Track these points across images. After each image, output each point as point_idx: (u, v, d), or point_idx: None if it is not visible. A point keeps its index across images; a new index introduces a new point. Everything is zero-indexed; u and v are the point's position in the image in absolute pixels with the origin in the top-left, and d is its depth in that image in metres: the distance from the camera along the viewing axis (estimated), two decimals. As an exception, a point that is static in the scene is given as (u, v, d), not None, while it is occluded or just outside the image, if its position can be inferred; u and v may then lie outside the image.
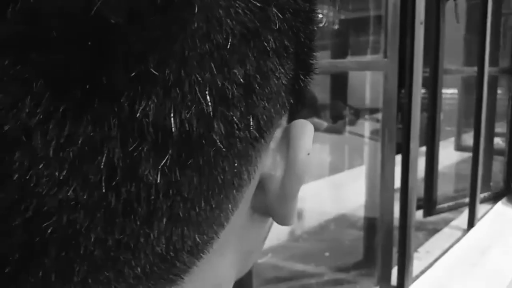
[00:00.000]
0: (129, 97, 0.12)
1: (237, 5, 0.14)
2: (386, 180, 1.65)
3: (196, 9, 0.13)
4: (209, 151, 0.14)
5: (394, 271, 1.76)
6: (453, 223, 2.59)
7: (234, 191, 0.16)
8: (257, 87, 0.15)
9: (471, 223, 2.45)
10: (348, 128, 3.72)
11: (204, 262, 0.17)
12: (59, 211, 0.13)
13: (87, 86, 0.12)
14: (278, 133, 0.19)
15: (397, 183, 1.72)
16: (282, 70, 0.17)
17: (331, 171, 3.54)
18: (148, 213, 0.14)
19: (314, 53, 0.20)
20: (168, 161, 0.13)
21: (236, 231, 0.19)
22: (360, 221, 2.30)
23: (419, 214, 2.47)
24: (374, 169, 1.82)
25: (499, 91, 3.16)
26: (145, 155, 0.13)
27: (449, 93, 3.95)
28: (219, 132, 0.14)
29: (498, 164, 3.12)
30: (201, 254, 0.17)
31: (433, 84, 2.36)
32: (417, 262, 1.99)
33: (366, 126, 2.33)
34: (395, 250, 1.75)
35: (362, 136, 2.42)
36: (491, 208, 2.80)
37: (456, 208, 2.66)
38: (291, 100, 0.18)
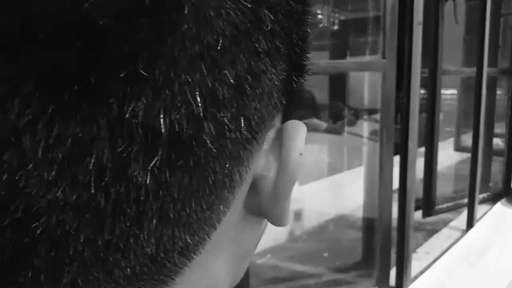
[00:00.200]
0: (118, 98, 0.12)
1: (228, 6, 0.14)
2: (385, 180, 1.65)
3: (186, 10, 0.13)
4: (199, 152, 0.14)
5: (393, 272, 1.76)
6: (452, 223, 2.59)
7: (226, 192, 0.16)
8: (249, 88, 0.15)
9: (470, 224, 2.45)
10: (347, 128, 3.73)
11: (197, 263, 0.17)
12: (48, 212, 0.13)
13: (76, 87, 0.12)
14: (271, 133, 0.19)
15: (396, 184, 1.72)
16: (274, 71, 0.16)
17: (331, 171, 3.54)
18: (138, 214, 0.14)
19: (307, 54, 0.20)
20: (158, 162, 0.13)
21: (230, 232, 0.19)
22: (359, 222, 2.31)
23: (418, 215, 2.47)
24: (373, 170, 1.82)
25: (498, 92, 3.16)
26: (135, 156, 0.13)
27: (449, 93, 3.95)
28: (210, 133, 0.14)
29: (497, 165, 3.12)
30: (193, 255, 0.17)
31: (432, 85, 2.36)
32: (416, 262, 1.98)
33: (366, 126, 2.33)
34: (393, 250, 1.74)
35: (361, 136, 2.42)
36: (490, 209, 2.80)
37: (455, 208, 2.66)
38: (284, 101, 0.18)
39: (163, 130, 0.13)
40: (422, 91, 2.49)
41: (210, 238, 0.17)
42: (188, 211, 0.15)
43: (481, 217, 2.61)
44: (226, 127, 0.15)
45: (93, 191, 0.13)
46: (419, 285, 1.87)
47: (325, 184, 3.27)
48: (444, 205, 2.61)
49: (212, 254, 0.18)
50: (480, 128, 2.34)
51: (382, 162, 1.64)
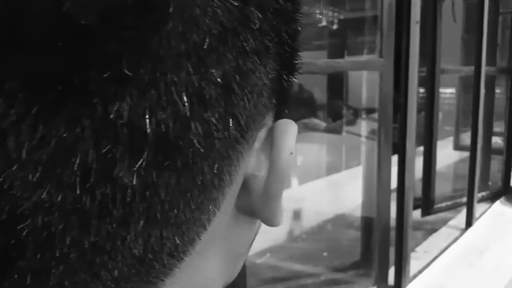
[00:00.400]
0: (102, 98, 0.12)
1: (215, 4, 0.14)
2: (383, 180, 1.65)
3: (171, 8, 0.13)
4: (186, 152, 0.14)
5: (391, 271, 1.76)
6: (451, 222, 2.59)
7: (215, 192, 0.16)
8: (236, 87, 0.15)
9: (469, 223, 2.45)
10: (347, 128, 3.72)
11: (187, 264, 0.17)
12: (34, 213, 0.12)
13: (59, 88, 0.12)
14: (262, 133, 0.18)
15: (394, 183, 1.72)
16: (264, 69, 0.16)
17: (330, 171, 3.54)
18: (124, 215, 0.14)
19: (297, 53, 0.19)
20: (144, 163, 0.13)
21: (221, 232, 0.19)
22: (358, 221, 2.31)
23: (417, 214, 2.47)
24: (371, 169, 1.83)
25: (498, 91, 3.16)
26: (120, 157, 0.13)
27: (448, 92, 3.95)
28: (197, 133, 0.14)
29: (496, 164, 3.12)
30: (182, 256, 0.16)
31: (430, 84, 2.36)
32: (415, 261, 1.98)
33: (365, 125, 2.34)
34: (392, 250, 1.74)
35: (360, 136, 2.42)
36: (489, 208, 2.80)
37: (454, 207, 2.66)
38: (275, 100, 0.18)
39: (148, 130, 0.13)
40: (422, 90, 2.49)
41: (200, 239, 0.17)
42: (176, 212, 0.15)
43: (480, 216, 2.61)
44: (213, 126, 0.14)
45: (78, 192, 0.13)
46: (418, 284, 1.87)
47: (324, 183, 3.27)
48: (443, 204, 2.61)
49: (203, 254, 0.18)
50: (478, 127, 2.34)
51: (380, 161, 1.64)
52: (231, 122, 0.15)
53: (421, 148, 2.47)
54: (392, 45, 1.55)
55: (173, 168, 0.14)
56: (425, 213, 2.52)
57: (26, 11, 0.11)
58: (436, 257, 2.12)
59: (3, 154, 0.12)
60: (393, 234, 1.73)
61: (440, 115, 2.84)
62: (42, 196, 0.12)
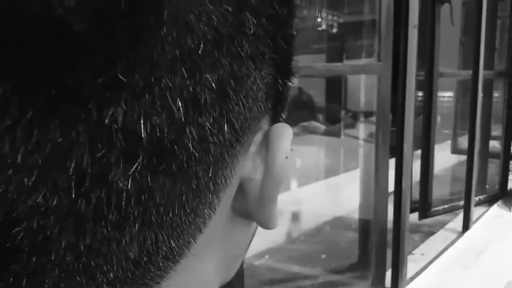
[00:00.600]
0: (97, 103, 0.12)
1: (209, 10, 0.14)
2: (380, 182, 1.65)
3: (165, 14, 0.13)
4: (181, 157, 0.14)
5: (389, 273, 1.76)
6: (449, 225, 2.59)
7: (210, 195, 0.16)
8: (231, 92, 0.15)
9: (466, 226, 2.45)
10: (346, 131, 3.73)
11: (183, 267, 0.17)
12: (29, 217, 0.12)
13: (54, 92, 0.12)
14: (258, 136, 0.18)
15: (392, 186, 1.73)
16: (259, 74, 0.16)
17: (328, 173, 3.55)
18: (119, 219, 0.14)
19: (292, 58, 0.19)
20: (139, 167, 0.13)
21: (217, 234, 0.19)
22: (356, 224, 2.31)
23: (414, 217, 2.47)
24: (369, 172, 1.83)
25: (496, 94, 3.17)
26: (115, 161, 0.13)
27: (447, 96, 3.96)
28: (192, 137, 0.14)
29: (494, 167, 3.13)
30: (178, 259, 0.17)
31: (428, 87, 2.36)
32: (413, 264, 1.99)
33: (364, 129, 2.34)
34: (390, 252, 1.75)
35: (358, 138, 2.43)
36: (486, 211, 2.80)
37: (451, 210, 2.66)
38: (271, 104, 0.18)
39: (143, 135, 0.13)
40: (420, 94, 2.50)
41: (195, 242, 0.17)
42: (171, 215, 0.15)
43: (477, 219, 2.62)
44: (208, 131, 0.15)
45: (73, 196, 0.13)
46: (415, 286, 1.87)
47: (323, 185, 3.28)
48: (441, 207, 2.61)
49: (199, 257, 0.18)
50: (476, 131, 2.35)
51: (378, 164, 1.65)
52: (226, 127, 0.15)
53: (419, 151, 2.48)
54: (390, 49, 1.56)
55: (168, 172, 0.14)
56: (423, 216, 2.52)
57: (18, 16, 0.11)
58: (433, 260, 2.12)
59: None
60: (390, 236, 1.74)
61: (439, 119, 2.84)
62: (38, 200, 0.12)
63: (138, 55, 0.12)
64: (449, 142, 3.59)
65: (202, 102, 0.14)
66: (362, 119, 2.37)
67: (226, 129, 0.15)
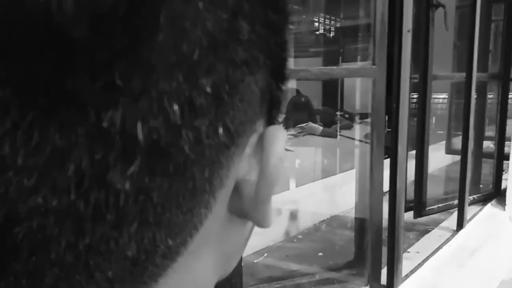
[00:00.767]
0: (95, 106, 0.12)
1: (204, 17, 0.14)
2: (375, 182, 1.67)
3: (162, 20, 0.13)
4: (178, 159, 0.14)
5: (384, 271, 1.78)
6: (443, 224, 2.60)
7: (206, 195, 0.16)
8: (226, 96, 0.15)
9: (460, 225, 2.47)
10: (343, 132, 3.76)
11: (180, 265, 0.17)
12: (29, 217, 0.13)
13: (53, 96, 0.12)
14: (253, 138, 0.19)
15: (387, 186, 1.76)
16: (253, 79, 0.17)
17: (326, 173, 3.58)
18: (118, 219, 0.14)
19: (286, 62, 0.20)
20: (137, 169, 0.14)
21: (214, 233, 0.19)
22: (352, 222, 2.34)
23: (410, 216, 2.51)
24: (365, 172, 1.86)
25: (491, 96, 3.21)
26: (113, 163, 0.13)
27: (441, 97, 4.00)
28: (187, 140, 0.14)
29: (489, 167, 3.16)
30: (175, 257, 0.17)
31: (422, 90, 2.40)
32: (408, 261, 2.00)
33: (360, 130, 2.38)
34: (385, 250, 1.76)
35: (354, 139, 2.47)
36: (480, 210, 2.82)
37: (445, 209, 2.68)
38: (266, 107, 0.19)
39: (140, 137, 0.13)
40: (415, 96, 2.54)
41: (192, 240, 0.17)
42: (168, 215, 0.15)
43: (471, 218, 2.63)
44: (204, 134, 0.15)
45: (73, 197, 0.13)
46: (410, 284, 1.88)
47: (320, 185, 3.31)
48: (435, 206, 2.64)
49: (196, 255, 0.18)
50: (469, 131, 2.37)
51: (373, 164, 1.67)
52: (221, 129, 0.16)
53: (414, 152, 2.51)
54: (385, 52, 1.57)
55: (165, 173, 0.14)
56: (417, 215, 2.55)
57: (18, 21, 0.12)
58: (428, 258, 2.14)
59: None
60: (386, 235, 1.76)
61: (433, 120, 2.88)
62: (38, 201, 0.13)
63: (136, 60, 0.13)
64: (443, 142, 3.62)
65: (198, 105, 0.14)
66: (357, 120, 2.40)
67: (221, 132, 0.16)
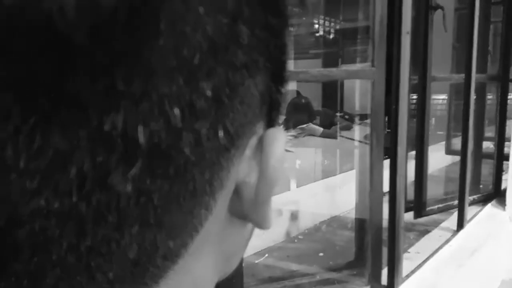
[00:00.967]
0: (96, 109, 0.13)
1: (204, 21, 0.14)
2: (375, 183, 1.68)
3: (163, 24, 0.13)
4: (178, 161, 0.15)
5: (385, 271, 1.78)
6: (443, 224, 2.60)
7: (207, 197, 0.17)
8: (226, 100, 0.16)
9: (460, 225, 2.47)
10: (343, 133, 3.78)
11: (181, 266, 0.18)
12: (32, 219, 0.13)
13: (55, 100, 0.12)
14: (253, 141, 0.19)
15: (387, 186, 1.76)
16: (253, 82, 0.17)
17: (326, 174, 3.58)
18: (119, 220, 0.14)
19: (286, 65, 0.20)
20: (138, 171, 0.14)
21: (214, 235, 0.19)
22: (353, 223, 2.35)
23: (410, 216, 2.52)
24: (364, 172, 1.87)
25: (490, 97, 3.22)
26: (115, 165, 0.13)
27: (441, 98, 4.01)
28: (188, 143, 0.15)
29: (488, 168, 3.16)
30: (176, 259, 0.17)
31: (421, 91, 2.41)
32: (408, 262, 1.99)
33: (360, 131, 2.39)
34: (386, 250, 1.76)
35: (354, 140, 2.48)
36: (480, 210, 2.82)
37: (446, 210, 2.69)
38: (266, 110, 0.19)
39: (142, 140, 0.13)
40: (415, 97, 2.55)
41: (193, 242, 0.17)
42: (169, 216, 0.15)
43: (471, 218, 2.62)
44: (204, 136, 0.15)
45: (75, 199, 0.13)
46: (410, 284, 1.88)
47: (321, 186, 3.31)
48: (435, 207, 2.64)
49: (196, 256, 0.19)
50: (469, 132, 2.38)
51: (373, 165, 1.68)
52: (221, 132, 0.16)
53: (414, 153, 2.52)
54: (384, 54, 1.58)
55: (166, 176, 0.14)
56: (418, 215, 2.56)
57: (20, 27, 0.12)
58: (428, 258, 2.14)
59: (1, 163, 0.12)
60: (386, 235, 1.76)
61: (433, 121, 2.89)
62: (40, 203, 0.13)
63: (136, 64, 0.13)
64: (443, 143, 3.63)
65: (198, 108, 0.15)
66: (357, 121, 2.41)
67: (221, 135, 0.16)
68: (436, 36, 2.45)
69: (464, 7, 2.69)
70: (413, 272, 1.99)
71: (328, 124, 4.39)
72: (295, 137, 4.40)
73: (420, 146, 2.46)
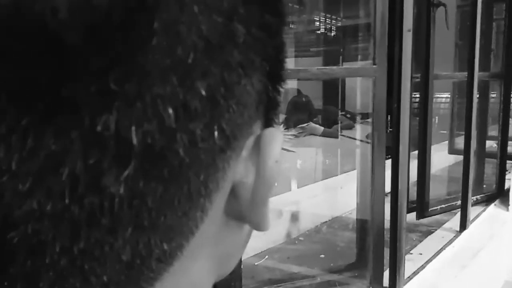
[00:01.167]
0: (89, 111, 0.13)
1: (199, 20, 0.14)
2: (376, 183, 1.67)
3: (156, 25, 0.13)
4: (172, 162, 0.14)
5: (387, 273, 1.77)
6: (446, 225, 2.59)
7: (202, 199, 0.16)
8: (221, 99, 0.15)
9: (463, 225, 2.45)
10: (345, 132, 3.76)
11: (176, 268, 0.17)
12: (25, 222, 0.13)
13: (48, 101, 0.12)
14: (250, 141, 0.19)
15: (389, 186, 1.75)
16: (249, 81, 0.17)
17: (327, 174, 3.57)
18: (112, 223, 0.14)
19: (283, 64, 0.20)
20: (131, 173, 0.14)
21: (211, 237, 0.19)
22: (354, 224, 2.33)
23: (412, 216, 2.49)
24: (366, 172, 1.85)
25: (494, 95, 3.20)
26: (108, 167, 0.13)
27: (444, 97, 3.99)
28: (182, 143, 0.14)
29: (492, 167, 3.14)
30: (171, 261, 0.17)
31: (424, 89, 2.39)
32: (410, 263, 1.99)
33: (362, 130, 2.37)
34: (388, 251, 1.75)
35: (355, 139, 2.45)
36: (483, 211, 2.80)
37: (448, 210, 2.67)
38: (263, 109, 0.19)
39: (135, 141, 0.13)
40: (418, 95, 2.52)
41: (188, 244, 0.17)
42: (163, 219, 0.15)
43: (474, 219, 2.61)
44: (199, 137, 0.15)
45: (67, 201, 0.13)
46: (413, 285, 1.87)
47: (321, 186, 3.30)
48: (438, 207, 2.62)
49: (193, 258, 0.18)
50: (472, 131, 2.36)
51: (374, 165, 1.66)
52: (216, 133, 0.15)
53: (417, 152, 2.50)
54: (385, 52, 1.57)
55: (160, 177, 0.14)
56: (420, 216, 2.54)
57: (14, 29, 0.12)
58: (431, 259, 2.12)
59: None
60: (388, 236, 1.75)
61: (436, 120, 2.86)
62: (33, 205, 0.13)
63: (130, 65, 0.13)
64: (446, 142, 3.61)
65: (193, 109, 0.14)
66: (361, 120, 2.39)
67: (216, 135, 0.16)
68: (439, 34, 2.42)
69: (466, 4, 2.67)
70: (415, 273, 1.98)
71: (331, 123, 4.38)
72: (296, 136, 4.39)
73: (422, 146, 2.44)
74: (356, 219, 2.18)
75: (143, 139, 0.13)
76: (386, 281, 1.77)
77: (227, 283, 1.11)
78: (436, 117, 2.85)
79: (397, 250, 1.74)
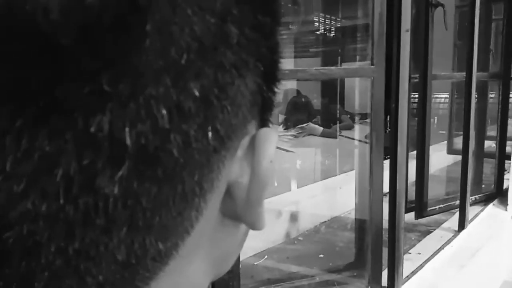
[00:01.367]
0: (83, 112, 0.13)
1: (192, 21, 0.14)
2: (375, 183, 1.67)
3: (148, 27, 0.13)
4: (167, 163, 0.14)
5: (385, 273, 1.77)
6: (445, 225, 2.59)
7: (197, 199, 0.16)
8: (215, 100, 0.15)
9: (462, 225, 2.46)
10: (344, 132, 3.76)
11: (172, 268, 0.17)
12: (20, 222, 0.13)
13: (42, 102, 0.12)
14: (245, 141, 0.19)
15: (387, 186, 1.75)
16: (243, 82, 0.17)
17: (326, 174, 3.57)
18: (107, 223, 0.14)
19: (278, 64, 0.20)
20: (125, 173, 0.14)
21: (206, 236, 0.19)
22: (353, 224, 2.34)
23: (411, 216, 2.50)
24: (364, 173, 1.86)
25: (492, 95, 3.20)
26: (101, 168, 0.13)
27: (443, 97, 3.99)
28: (176, 144, 0.14)
29: (490, 167, 3.14)
30: (166, 260, 0.17)
31: (422, 90, 2.40)
32: (409, 263, 1.99)
33: (360, 130, 2.37)
34: (386, 251, 1.76)
35: (354, 139, 2.46)
36: (482, 210, 2.80)
37: (447, 210, 2.67)
38: (257, 110, 0.19)
39: (129, 142, 0.13)
40: (416, 96, 2.53)
41: (183, 244, 0.17)
42: (158, 219, 0.15)
43: (473, 218, 2.62)
44: (193, 138, 0.15)
45: (62, 202, 0.13)
46: (411, 285, 1.87)
47: (320, 186, 3.31)
48: (437, 207, 2.63)
49: (188, 258, 0.18)
50: (470, 131, 2.37)
51: (372, 165, 1.66)
52: (210, 133, 0.16)
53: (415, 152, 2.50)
54: (383, 52, 1.57)
55: (154, 178, 0.14)
56: (419, 215, 2.54)
57: (6, 30, 0.12)
58: (429, 259, 2.13)
59: None
60: (386, 236, 1.75)
61: (435, 120, 2.87)
62: (27, 206, 0.13)
63: (123, 66, 0.13)
64: (445, 142, 3.61)
65: (186, 109, 0.14)
66: (360, 120, 2.39)
67: (210, 135, 0.16)
68: (437, 34, 2.43)
69: (465, 4, 2.68)
70: (413, 273, 1.98)
71: (332, 122, 4.38)
72: (295, 136, 4.40)
73: (421, 146, 2.44)
74: (355, 219, 2.18)
75: (136, 139, 0.14)
76: (384, 280, 1.78)
77: (225, 282, 1.11)
78: (435, 118, 2.86)
79: (396, 249, 1.74)
